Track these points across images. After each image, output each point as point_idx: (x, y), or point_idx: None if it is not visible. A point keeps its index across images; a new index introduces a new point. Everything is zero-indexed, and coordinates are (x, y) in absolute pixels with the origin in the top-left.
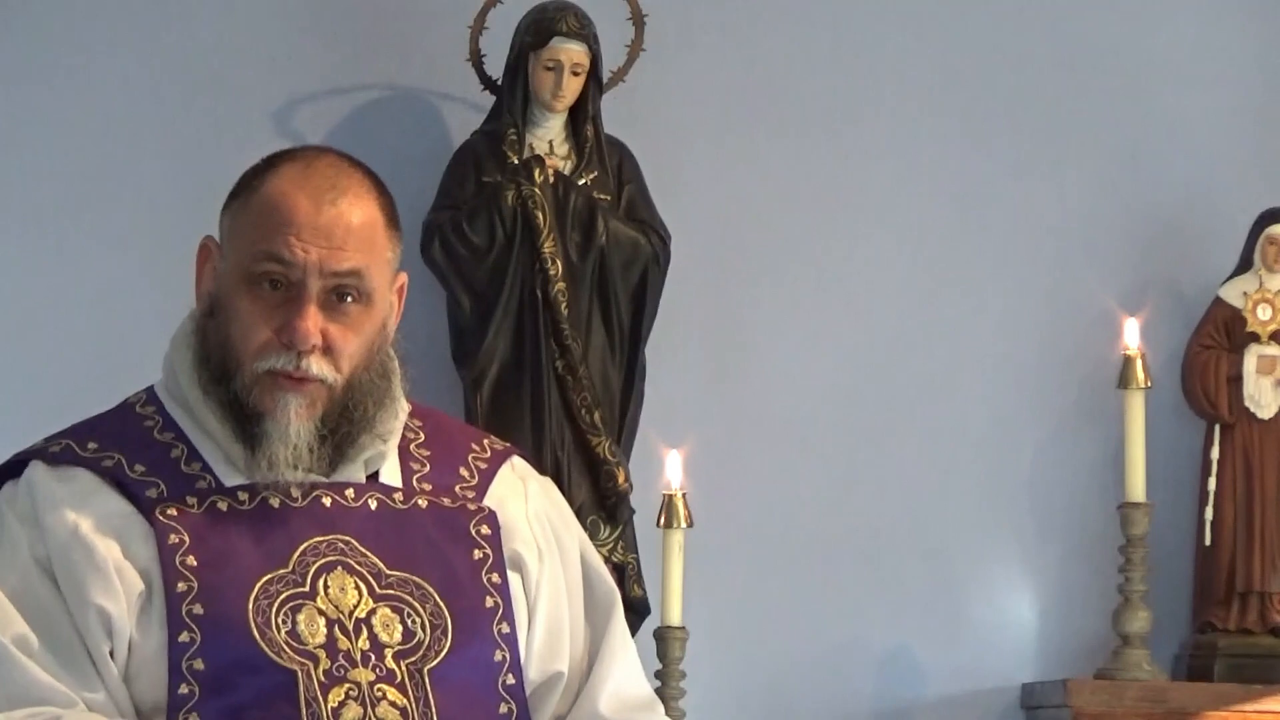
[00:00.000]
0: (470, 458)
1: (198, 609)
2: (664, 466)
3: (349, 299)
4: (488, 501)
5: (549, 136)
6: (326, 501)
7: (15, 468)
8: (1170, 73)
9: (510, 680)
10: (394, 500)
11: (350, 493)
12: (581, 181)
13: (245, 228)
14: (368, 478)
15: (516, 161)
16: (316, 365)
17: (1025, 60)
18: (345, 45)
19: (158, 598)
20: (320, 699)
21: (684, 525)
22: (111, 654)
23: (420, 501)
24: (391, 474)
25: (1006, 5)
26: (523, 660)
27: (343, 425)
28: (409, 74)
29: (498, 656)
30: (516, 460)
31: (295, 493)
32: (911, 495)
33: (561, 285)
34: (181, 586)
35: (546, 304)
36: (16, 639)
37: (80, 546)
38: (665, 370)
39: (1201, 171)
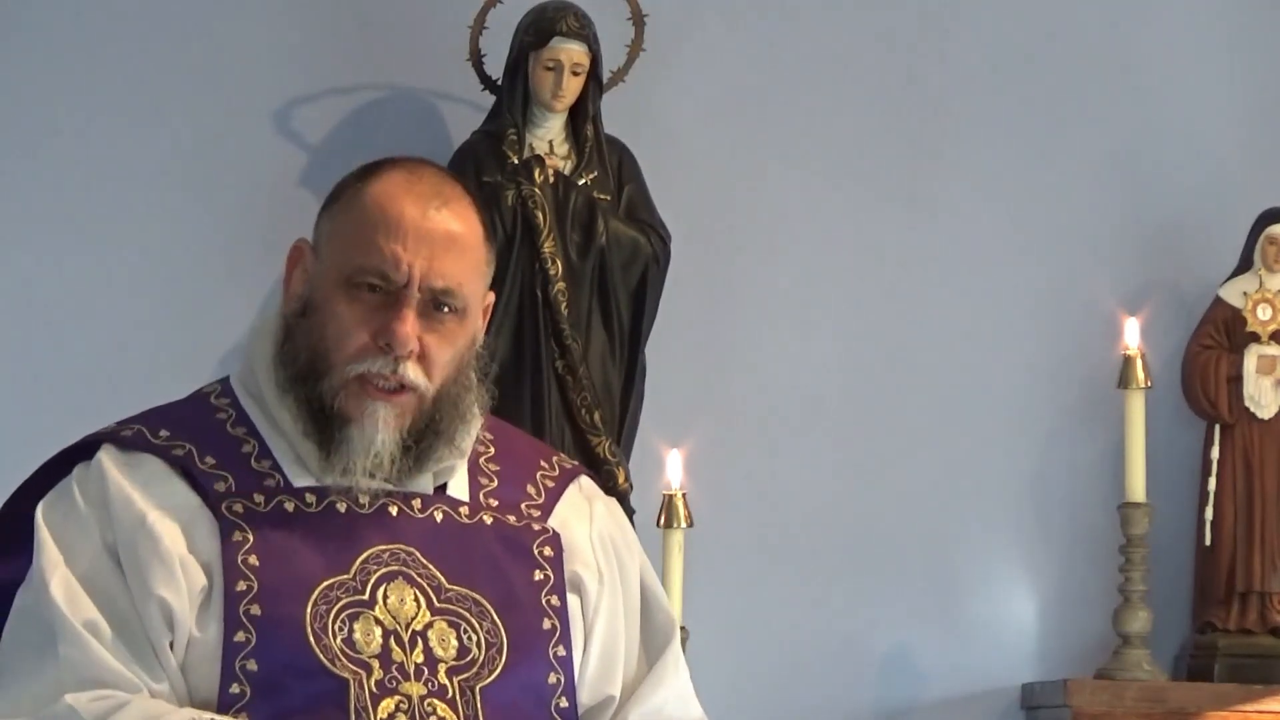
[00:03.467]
0: (538, 475)
1: (255, 609)
2: (664, 466)
3: (446, 309)
4: (552, 521)
5: (549, 136)
6: (393, 510)
7: (86, 449)
8: (1170, 73)
9: (564, 704)
10: (460, 514)
11: (417, 503)
12: (581, 181)
13: (346, 231)
14: (436, 489)
15: (516, 161)
16: (412, 371)
17: (1025, 60)
18: (345, 45)
19: (217, 594)
20: (370, 709)
21: (684, 525)
22: (171, 646)
23: (485, 518)
24: (459, 487)
25: (1007, 5)
26: (576, 683)
27: (426, 437)
28: (409, 74)
29: (552, 679)
30: (584, 480)
31: (363, 499)
32: (911, 495)
33: (561, 285)
34: (241, 586)
35: (546, 304)
36: (87, 623)
37: (147, 536)
38: (665, 370)
39: (1201, 171)
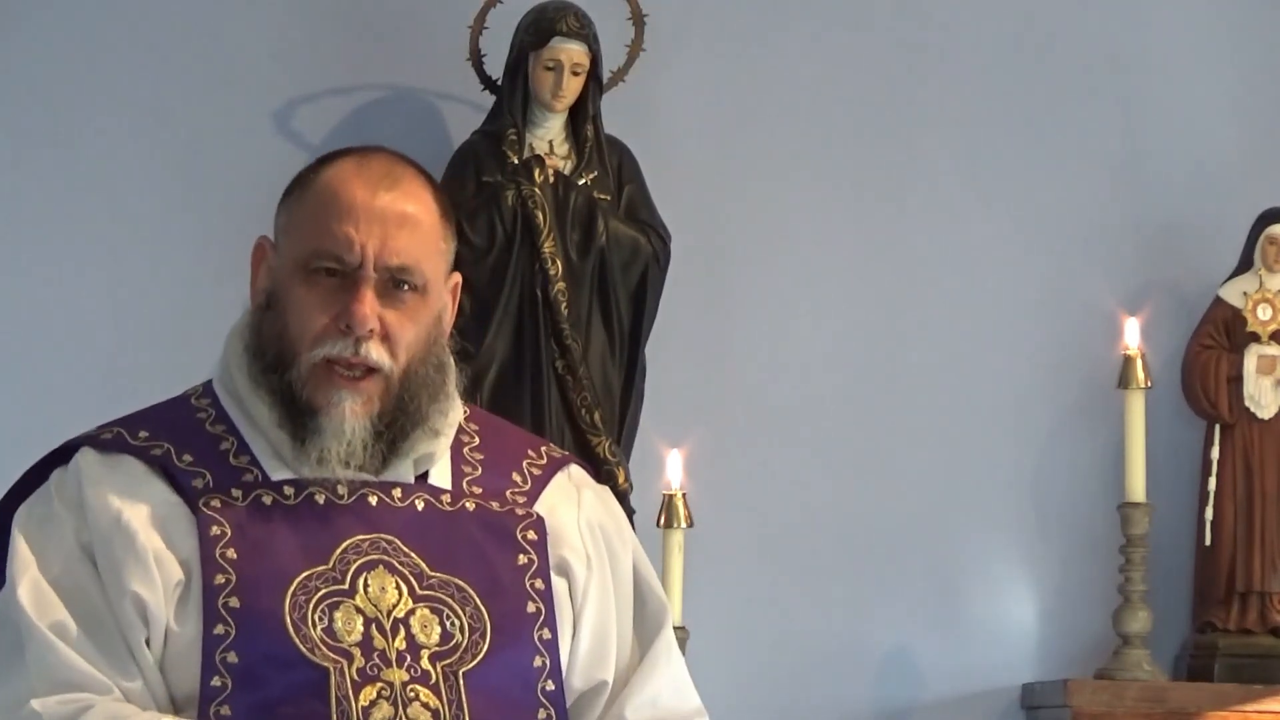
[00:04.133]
0: (525, 464)
1: (234, 602)
2: (664, 466)
3: (405, 287)
4: (538, 508)
5: (549, 136)
6: (372, 500)
7: (65, 453)
8: (1170, 72)
9: (550, 686)
10: (441, 502)
11: (397, 492)
12: (581, 181)
13: (301, 219)
14: (417, 478)
15: (516, 161)
16: (375, 352)
17: (1026, 60)
18: (345, 45)
19: (196, 588)
20: (351, 697)
21: (684, 525)
22: (148, 642)
23: (468, 504)
24: (441, 475)
25: (1006, 5)
26: (565, 667)
27: (399, 419)
28: (409, 74)
29: (537, 662)
30: (573, 469)
31: (341, 490)
32: (912, 495)
33: (561, 285)
34: (219, 579)
35: (546, 304)
36: (54, 625)
37: (122, 534)
38: (665, 370)
39: (1201, 171)
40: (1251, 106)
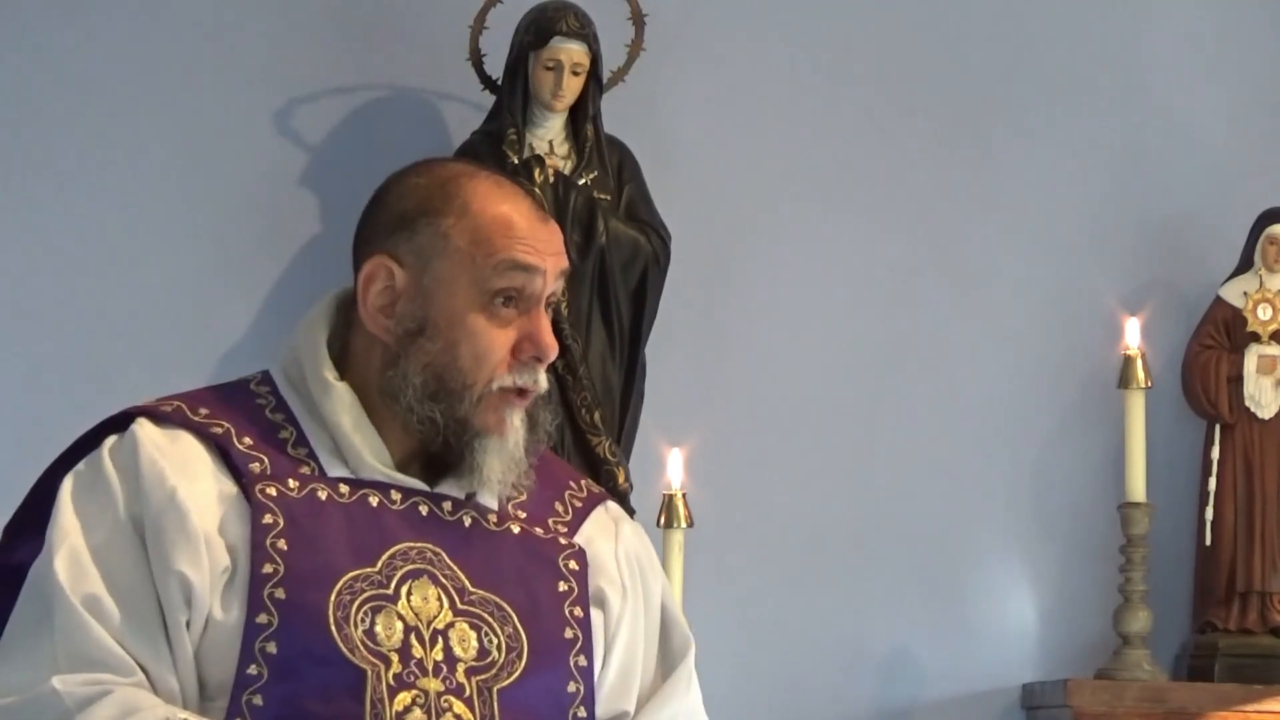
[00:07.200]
0: (567, 494)
1: (280, 593)
2: (664, 466)
3: (547, 309)
4: (578, 539)
5: (549, 136)
6: (423, 510)
7: (121, 421)
8: (1172, 72)
9: (582, 713)
10: (488, 521)
11: (448, 506)
12: (581, 181)
13: (470, 244)
14: (466, 496)
15: (516, 161)
16: (542, 376)
17: (1026, 59)
18: (345, 45)
19: (242, 575)
20: (386, 701)
21: (684, 525)
22: (188, 625)
23: (513, 527)
24: (489, 496)
25: (1007, 7)
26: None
27: (533, 433)
28: (409, 74)
29: (571, 688)
30: (610, 504)
31: (395, 495)
32: (912, 495)
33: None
34: (268, 569)
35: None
36: (87, 598)
37: (174, 511)
38: (665, 370)
39: (1201, 171)
40: (1251, 106)
